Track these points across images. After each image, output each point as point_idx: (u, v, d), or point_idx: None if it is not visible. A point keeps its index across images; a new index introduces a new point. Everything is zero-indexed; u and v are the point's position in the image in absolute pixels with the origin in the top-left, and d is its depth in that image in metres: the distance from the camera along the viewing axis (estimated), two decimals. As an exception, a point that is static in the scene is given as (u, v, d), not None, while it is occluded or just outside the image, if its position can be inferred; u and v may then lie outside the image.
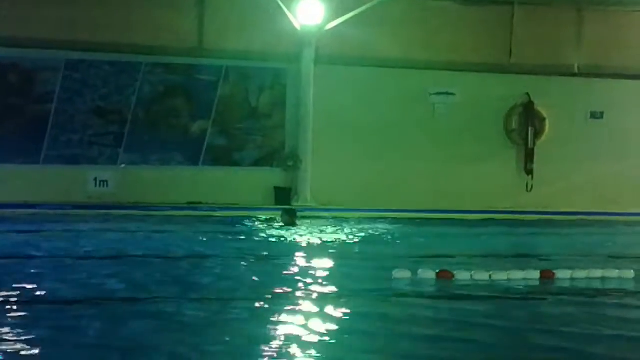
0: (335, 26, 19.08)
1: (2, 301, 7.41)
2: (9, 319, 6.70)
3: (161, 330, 6.52)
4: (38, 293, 7.93)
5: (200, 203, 18.61)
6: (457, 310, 7.70)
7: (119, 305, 7.57)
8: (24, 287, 8.11)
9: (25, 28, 18.11)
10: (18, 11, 18.11)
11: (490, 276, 9.37)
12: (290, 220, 15.23)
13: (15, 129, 18.34)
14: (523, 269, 9.70)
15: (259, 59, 19.51)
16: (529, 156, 21.13)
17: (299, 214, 15.78)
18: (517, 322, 7.30)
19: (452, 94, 20.72)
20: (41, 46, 18.28)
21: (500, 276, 9.39)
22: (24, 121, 18.41)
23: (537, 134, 21.14)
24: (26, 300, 7.53)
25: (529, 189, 21.00)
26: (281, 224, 15.29)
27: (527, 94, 21.11)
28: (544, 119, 21.18)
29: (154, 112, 19.18)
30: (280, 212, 15.82)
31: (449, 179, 20.27)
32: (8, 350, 5.75)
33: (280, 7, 18.70)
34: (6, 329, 6.31)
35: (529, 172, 21.06)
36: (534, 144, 21.12)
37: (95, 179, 18.79)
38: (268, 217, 16.64)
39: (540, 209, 20.07)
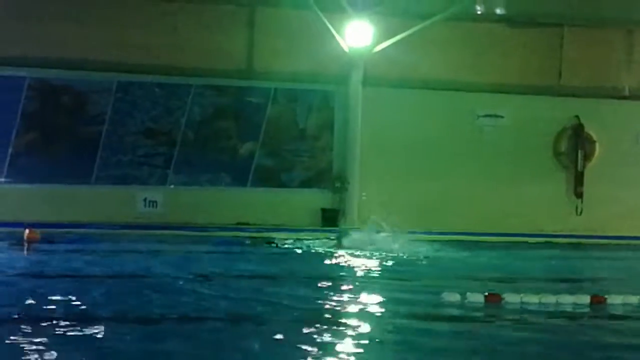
0: (384, 48, 19.10)
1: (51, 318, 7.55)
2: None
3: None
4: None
5: (248, 224, 18.68)
6: (505, 334, 7.64)
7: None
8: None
9: (78, 50, 18.41)
10: (71, 34, 18.42)
11: (539, 300, 9.28)
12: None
13: (68, 149, 18.60)
14: (573, 293, 9.60)
15: (307, 81, 19.60)
16: (579, 179, 20.90)
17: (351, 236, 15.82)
18: (565, 347, 7.22)
19: (500, 116, 20.61)
20: (93, 68, 18.56)
21: (550, 300, 9.30)
22: (76, 142, 18.66)
23: (587, 156, 20.91)
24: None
25: (578, 212, 20.76)
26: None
27: (577, 116, 20.91)
28: (593, 142, 20.95)
29: (203, 134, 19.34)
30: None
31: (497, 201, 20.11)
32: None
33: (329, 30, 18.78)
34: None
35: (579, 195, 20.83)
36: (584, 166, 20.89)
37: (145, 200, 18.98)
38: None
39: (590, 233, 19.81)
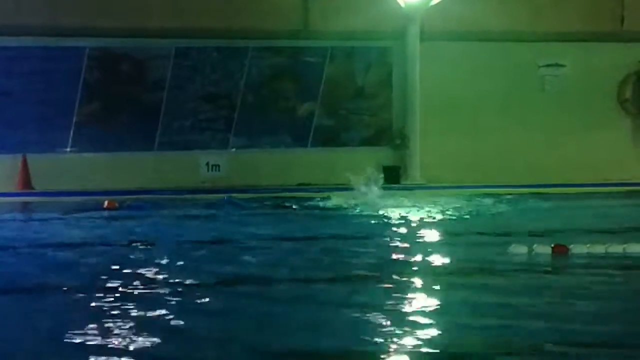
0: (440, 2, 18.88)
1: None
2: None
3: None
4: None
5: (310, 184, 18.74)
6: (575, 284, 7.61)
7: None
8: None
9: (135, 18, 18.56)
10: (127, 2, 18.57)
11: (606, 250, 9.20)
12: None
13: (129, 117, 18.86)
14: (641, 242, 9.47)
15: (363, 38, 19.51)
16: (645, 126, 20.55)
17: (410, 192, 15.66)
18: (634, 296, 7.16)
19: (562, 65, 20.29)
20: (151, 35, 18.70)
21: (617, 250, 9.21)
22: (137, 109, 18.91)
23: (652, 102, 20.52)
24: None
25: (645, 160, 20.42)
26: None
27: (641, 61, 20.52)
28: (659, 87, 20.53)
29: (262, 96, 19.42)
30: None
31: (561, 152, 19.88)
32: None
33: (384, -15, 18.62)
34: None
35: (645, 142, 20.48)
36: (650, 113, 20.51)
37: (208, 164, 19.17)
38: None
39: (657, 180, 19.49)
